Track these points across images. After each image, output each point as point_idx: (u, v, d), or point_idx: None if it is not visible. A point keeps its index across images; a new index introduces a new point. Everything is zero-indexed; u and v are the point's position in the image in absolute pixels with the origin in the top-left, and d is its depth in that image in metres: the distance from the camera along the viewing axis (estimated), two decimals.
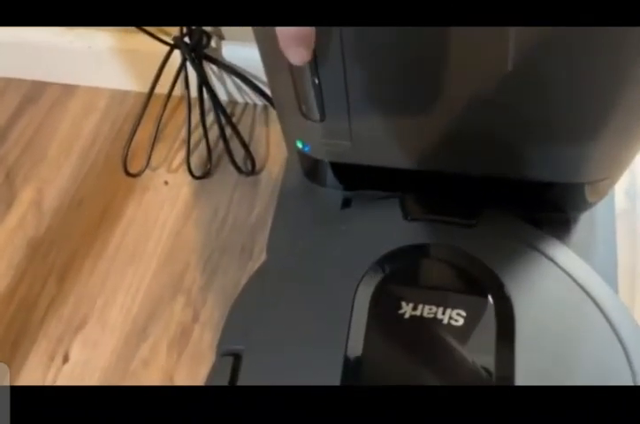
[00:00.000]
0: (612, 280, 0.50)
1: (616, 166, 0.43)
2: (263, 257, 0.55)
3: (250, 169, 0.63)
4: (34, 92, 0.74)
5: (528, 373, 0.39)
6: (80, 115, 0.71)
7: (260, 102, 0.68)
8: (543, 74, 0.33)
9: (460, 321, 0.41)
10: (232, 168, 0.63)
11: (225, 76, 0.65)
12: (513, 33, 0.30)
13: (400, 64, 0.35)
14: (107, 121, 0.70)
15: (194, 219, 0.60)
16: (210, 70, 0.64)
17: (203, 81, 0.61)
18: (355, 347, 0.40)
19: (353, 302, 0.41)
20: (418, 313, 0.40)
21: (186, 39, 0.60)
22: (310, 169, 0.52)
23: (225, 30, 0.62)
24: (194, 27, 0.59)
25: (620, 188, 0.58)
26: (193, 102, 0.64)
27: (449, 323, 0.41)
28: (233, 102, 0.69)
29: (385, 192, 0.50)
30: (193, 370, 0.52)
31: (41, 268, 0.59)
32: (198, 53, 0.59)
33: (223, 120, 0.63)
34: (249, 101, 0.69)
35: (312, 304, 0.42)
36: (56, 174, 0.65)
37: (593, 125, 0.37)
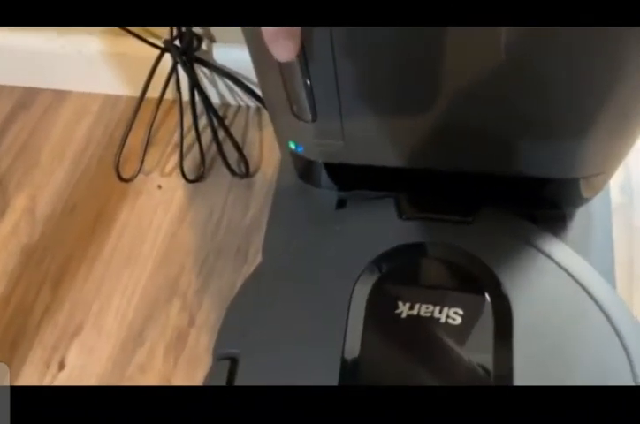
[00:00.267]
0: (609, 275, 0.49)
1: (611, 161, 0.43)
2: (259, 259, 0.54)
3: (244, 171, 0.62)
4: (26, 98, 0.73)
5: (526, 371, 0.38)
6: (72, 120, 0.71)
7: (252, 103, 0.68)
8: (537, 71, 0.32)
9: (458, 320, 0.40)
10: (225, 170, 0.62)
11: (217, 78, 0.65)
12: (506, 31, 0.30)
13: (392, 63, 0.34)
14: (99, 126, 0.70)
15: (189, 222, 0.60)
16: (202, 72, 0.64)
17: (195, 84, 0.61)
18: (353, 347, 0.39)
19: (349, 302, 0.41)
20: (415, 312, 0.40)
21: (177, 42, 0.60)
22: (304, 169, 0.51)
23: (216, 32, 0.62)
24: (184, 30, 0.59)
25: (616, 183, 0.58)
26: (185, 105, 0.64)
27: (446, 322, 0.40)
28: (226, 105, 0.69)
29: (380, 191, 0.50)
30: (190, 374, 0.52)
31: (35, 274, 0.58)
32: (189, 56, 0.59)
33: (215, 123, 0.63)
34: (242, 103, 0.69)
35: (308, 304, 0.42)
36: (48, 180, 0.65)
37: (587, 121, 0.37)
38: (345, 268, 0.42)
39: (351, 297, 0.41)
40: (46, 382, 0.53)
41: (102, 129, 0.69)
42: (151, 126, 0.64)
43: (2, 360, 0.54)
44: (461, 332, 0.40)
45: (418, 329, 0.40)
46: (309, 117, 0.40)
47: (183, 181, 0.62)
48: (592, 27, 0.29)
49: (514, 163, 0.42)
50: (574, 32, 0.29)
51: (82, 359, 0.54)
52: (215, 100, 0.68)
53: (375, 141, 0.43)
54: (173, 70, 0.61)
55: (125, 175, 0.63)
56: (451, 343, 0.40)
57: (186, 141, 0.64)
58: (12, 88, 0.74)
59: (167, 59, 0.61)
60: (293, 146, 0.46)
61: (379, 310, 0.41)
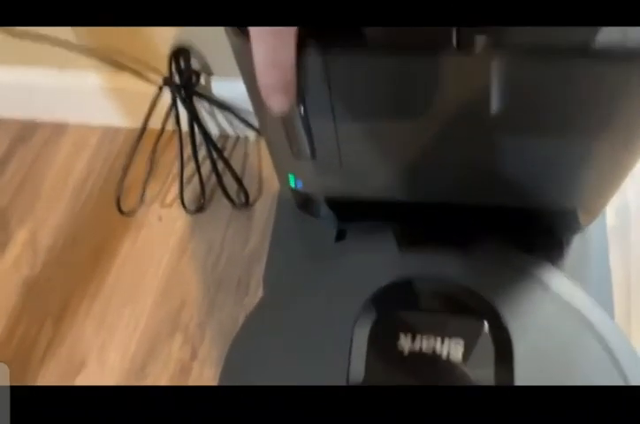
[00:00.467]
0: (607, 300, 0.50)
1: (608, 191, 0.44)
2: (260, 291, 0.55)
3: (244, 201, 0.63)
4: (25, 131, 0.74)
5: None
6: (71, 153, 0.72)
7: (251, 134, 0.69)
8: (529, 119, 0.34)
9: (459, 352, 0.41)
10: (225, 201, 0.63)
11: (216, 111, 0.66)
12: (497, 87, 0.31)
13: (387, 108, 0.35)
14: (99, 158, 0.71)
15: (189, 254, 0.61)
16: (201, 106, 0.65)
17: (194, 118, 0.62)
18: (355, 382, 0.40)
19: (351, 337, 0.41)
20: (417, 345, 0.41)
21: (176, 77, 0.61)
22: (303, 202, 0.52)
23: (214, 66, 0.63)
24: (183, 66, 0.60)
25: (611, 205, 0.59)
26: (184, 135, 0.65)
27: (448, 354, 0.41)
28: (225, 136, 0.70)
29: (379, 221, 0.51)
30: None
31: (37, 309, 0.59)
32: (188, 92, 0.60)
33: (214, 155, 0.64)
34: (240, 134, 0.70)
35: (311, 340, 0.42)
36: (49, 213, 0.66)
37: (585, 157, 0.38)
38: (345, 303, 0.43)
39: (352, 332, 0.41)
40: None
41: (102, 161, 0.70)
42: (152, 161, 0.64)
43: None
44: (463, 363, 0.41)
45: (421, 362, 0.41)
46: (308, 156, 0.41)
47: (183, 212, 0.63)
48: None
49: (511, 196, 0.43)
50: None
51: None
52: (214, 131, 0.69)
53: (373, 176, 0.44)
54: (173, 105, 0.62)
55: (126, 207, 0.64)
56: (452, 374, 0.40)
57: (186, 172, 0.65)
58: (11, 121, 0.75)
59: (166, 93, 0.62)
60: (292, 181, 0.47)
61: (381, 345, 0.41)
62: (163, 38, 0.59)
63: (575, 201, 0.44)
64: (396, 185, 0.44)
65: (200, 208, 0.63)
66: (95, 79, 0.66)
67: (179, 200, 0.63)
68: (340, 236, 0.53)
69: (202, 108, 0.65)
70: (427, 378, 0.40)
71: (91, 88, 0.67)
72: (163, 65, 0.62)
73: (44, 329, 0.57)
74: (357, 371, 0.40)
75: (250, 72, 0.30)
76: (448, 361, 0.40)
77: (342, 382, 0.40)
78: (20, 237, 0.64)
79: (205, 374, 0.53)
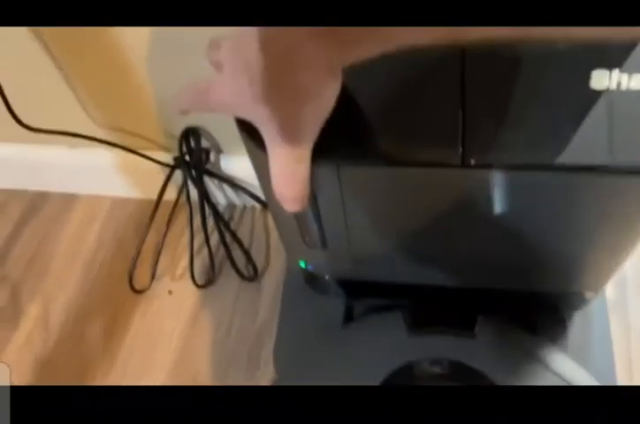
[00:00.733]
0: (610, 375, 0.51)
1: (611, 271, 0.46)
2: (270, 367, 0.56)
3: (252, 274, 0.65)
4: (37, 202, 0.76)
5: None
6: (82, 224, 0.73)
7: (258, 205, 0.71)
8: (532, 220, 0.36)
9: None
10: (234, 273, 0.64)
11: (225, 186, 0.68)
12: (498, 195, 0.33)
13: (396, 209, 0.38)
14: (109, 229, 0.72)
15: (200, 328, 0.62)
16: (211, 182, 0.67)
17: (203, 194, 0.64)
18: None
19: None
20: None
21: (187, 157, 0.63)
22: (312, 280, 0.54)
23: (223, 144, 0.65)
24: (193, 146, 0.62)
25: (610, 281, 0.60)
26: (193, 208, 0.66)
27: None
28: (232, 206, 0.72)
29: (387, 299, 0.52)
30: None
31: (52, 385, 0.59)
32: (198, 171, 0.62)
33: (223, 229, 0.66)
34: (248, 204, 0.72)
35: None
36: (60, 288, 0.67)
37: (586, 249, 0.40)
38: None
39: None
40: None
41: (112, 233, 0.72)
42: (164, 234, 0.66)
43: None
44: None
45: None
46: (319, 246, 0.43)
47: (193, 286, 0.64)
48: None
49: (515, 281, 0.45)
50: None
51: None
52: (222, 201, 0.71)
53: (382, 261, 0.46)
54: (184, 184, 0.64)
55: (138, 284, 0.65)
56: None
57: (195, 246, 0.67)
58: (23, 193, 0.77)
59: (177, 170, 0.64)
60: (303, 264, 0.49)
61: None
62: (174, 117, 0.62)
63: (578, 284, 0.46)
64: (403, 270, 0.46)
65: (209, 282, 0.65)
66: (106, 158, 0.68)
67: (188, 273, 0.65)
68: (348, 313, 0.54)
69: (212, 183, 0.68)
70: None
71: (102, 165, 0.69)
72: (173, 143, 0.64)
73: None
74: None
75: (266, 177, 0.31)
76: None
77: None
78: (32, 311, 0.65)
79: None
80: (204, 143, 0.64)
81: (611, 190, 0.33)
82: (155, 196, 0.65)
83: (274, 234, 0.69)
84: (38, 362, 0.61)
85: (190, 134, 0.63)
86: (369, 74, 0.30)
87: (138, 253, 0.64)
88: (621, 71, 0.29)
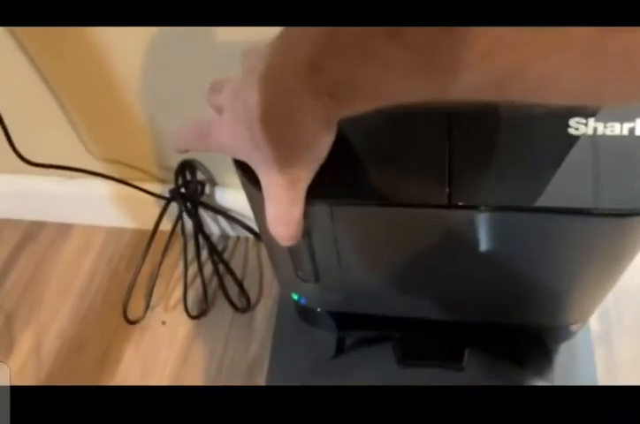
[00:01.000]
0: None
1: (594, 306, 0.47)
2: None
3: (245, 305, 0.66)
4: (31, 232, 0.77)
5: None
6: (77, 254, 0.74)
7: (251, 236, 0.72)
8: (517, 259, 0.37)
9: None
10: (227, 305, 0.65)
11: (220, 217, 0.70)
12: (483, 235, 0.35)
13: (387, 245, 0.39)
14: (103, 259, 0.73)
15: (193, 360, 0.62)
16: (205, 214, 0.69)
17: (199, 227, 0.65)
18: None
19: None
20: None
21: (182, 189, 0.65)
22: (304, 312, 0.55)
23: (218, 177, 0.67)
24: (189, 178, 0.64)
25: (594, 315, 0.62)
26: (187, 238, 0.67)
27: None
28: (226, 236, 0.73)
29: (378, 331, 0.54)
30: None
31: None
32: (194, 203, 0.64)
33: (218, 261, 0.67)
34: (241, 235, 0.73)
35: None
36: (54, 317, 0.68)
37: (571, 284, 0.41)
38: None
39: None
40: None
41: (107, 263, 0.73)
42: (158, 264, 0.67)
43: None
44: None
45: None
46: (312, 279, 0.44)
47: (186, 317, 0.65)
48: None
49: (504, 315, 0.46)
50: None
51: None
52: (215, 232, 0.72)
53: (374, 295, 0.47)
54: (179, 217, 0.65)
55: (132, 315, 0.66)
56: None
57: (189, 277, 0.68)
58: (19, 222, 0.78)
59: (172, 202, 0.66)
60: (296, 297, 0.50)
61: None
62: (171, 151, 0.63)
63: (564, 317, 0.47)
64: (394, 303, 0.48)
65: (202, 313, 0.66)
66: (102, 188, 0.70)
67: (182, 304, 0.66)
68: (340, 345, 0.55)
69: (206, 215, 0.69)
70: None
71: (98, 196, 0.71)
72: (169, 175, 0.66)
73: None
74: None
75: (261, 212, 0.32)
76: None
77: None
78: (25, 341, 0.66)
79: None
80: (199, 176, 0.66)
81: (594, 230, 0.34)
82: (149, 227, 0.66)
83: (267, 265, 0.70)
84: None
85: (186, 167, 0.64)
86: (362, 121, 0.32)
87: (133, 283, 0.65)
88: (596, 120, 0.31)
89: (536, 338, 0.52)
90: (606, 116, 0.32)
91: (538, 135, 0.32)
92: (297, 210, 0.32)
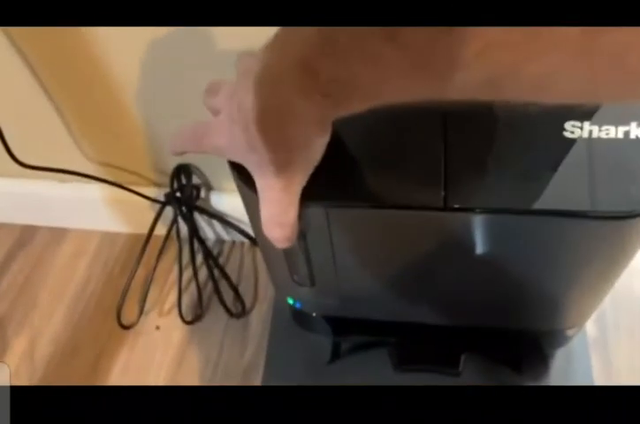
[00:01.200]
0: None
1: (591, 310, 0.47)
2: None
3: (240, 310, 0.65)
4: (25, 236, 0.77)
5: None
6: (70, 258, 0.74)
7: (246, 240, 0.72)
8: (514, 262, 0.37)
9: None
10: (222, 309, 0.65)
11: (215, 221, 0.70)
12: (478, 238, 0.35)
13: (383, 248, 0.39)
14: (98, 264, 0.73)
15: (187, 365, 0.62)
16: (200, 218, 0.68)
17: (194, 231, 0.65)
18: None
19: None
20: None
21: (178, 193, 0.64)
22: (300, 317, 0.54)
23: (213, 181, 0.67)
24: (184, 183, 0.64)
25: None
26: (182, 242, 0.67)
27: None
28: (221, 241, 0.73)
29: (373, 336, 0.53)
30: None
31: None
32: (189, 207, 0.64)
33: (212, 266, 0.66)
34: (236, 239, 0.73)
35: None
36: (48, 321, 0.67)
37: (568, 288, 0.41)
38: None
39: None
40: None
41: (101, 267, 0.72)
42: (152, 275, 0.66)
43: None
44: None
45: None
46: (308, 283, 0.44)
47: (181, 321, 0.65)
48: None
49: (500, 320, 0.46)
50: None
51: None
52: (210, 236, 0.72)
53: (369, 300, 0.47)
54: (174, 221, 0.65)
55: (125, 320, 0.65)
56: None
57: (184, 281, 0.67)
58: (11, 226, 0.78)
59: (167, 206, 0.65)
60: (291, 302, 0.50)
61: None
62: (167, 155, 0.63)
63: (561, 321, 0.47)
64: (390, 308, 0.47)
65: (197, 317, 0.65)
66: (97, 192, 0.69)
67: (176, 309, 0.65)
68: (335, 350, 0.55)
69: (202, 219, 0.69)
70: None
71: (92, 199, 0.70)
72: (164, 179, 0.66)
73: None
74: None
75: (256, 216, 0.32)
76: None
77: None
78: (19, 345, 0.65)
79: None
80: (195, 180, 0.66)
81: (591, 232, 0.34)
82: (144, 231, 0.65)
83: (262, 270, 0.70)
84: None
85: (182, 171, 0.64)
86: (357, 122, 0.32)
87: (127, 288, 0.64)
88: (591, 123, 0.31)
89: (532, 343, 0.52)
90: (602, 119, 0.32)
91: (534, 138, 0.32)
92: (292, 212, 0.32)
